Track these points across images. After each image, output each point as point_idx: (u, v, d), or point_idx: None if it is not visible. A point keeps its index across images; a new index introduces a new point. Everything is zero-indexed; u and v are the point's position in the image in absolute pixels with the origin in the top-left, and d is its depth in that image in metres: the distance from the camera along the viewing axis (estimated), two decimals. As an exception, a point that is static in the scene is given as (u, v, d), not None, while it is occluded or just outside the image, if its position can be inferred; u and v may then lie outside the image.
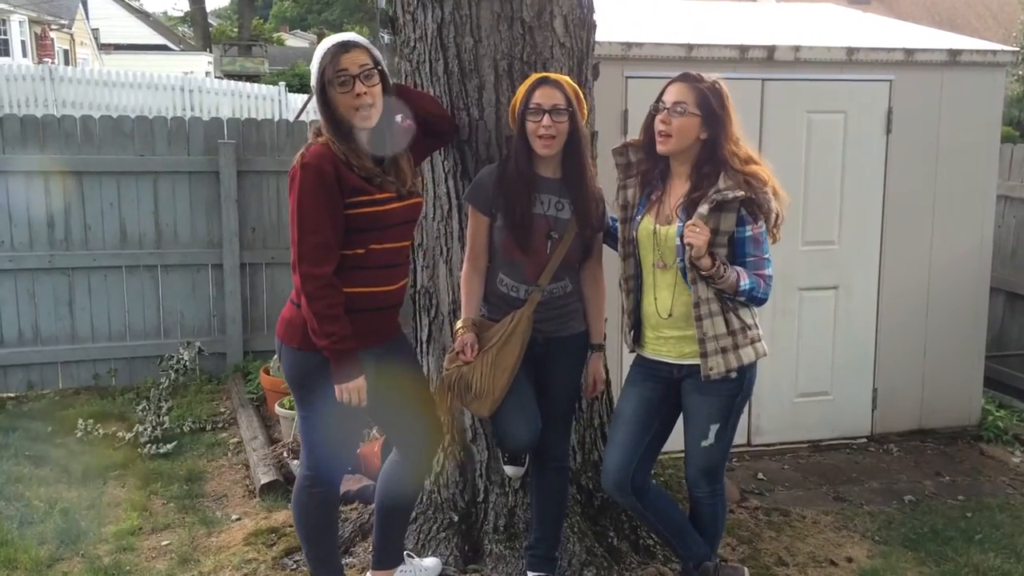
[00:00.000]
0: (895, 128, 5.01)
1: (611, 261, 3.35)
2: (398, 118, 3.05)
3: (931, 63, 5.02)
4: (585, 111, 3.15)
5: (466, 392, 3.10)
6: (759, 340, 3.00)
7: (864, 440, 5.23)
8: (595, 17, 3.57)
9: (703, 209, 2.84)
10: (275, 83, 22.97)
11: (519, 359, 3.11)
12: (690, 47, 4.65)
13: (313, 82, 2.84)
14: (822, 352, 5.11)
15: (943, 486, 4.68)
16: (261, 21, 42.50)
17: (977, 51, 5.11)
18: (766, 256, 2.94)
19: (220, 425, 5.26)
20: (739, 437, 4.64)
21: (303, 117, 13.12)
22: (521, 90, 3.10)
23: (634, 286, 3.11)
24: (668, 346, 3.02)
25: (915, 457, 5.06)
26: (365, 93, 2.79)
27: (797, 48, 4.80)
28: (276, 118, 17.87)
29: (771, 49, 4.76)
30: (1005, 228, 6.24)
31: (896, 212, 5.10)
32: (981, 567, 3.77)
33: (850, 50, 4.87)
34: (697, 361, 2.95)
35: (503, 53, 3.32)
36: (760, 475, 4.71)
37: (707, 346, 2.88)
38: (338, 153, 2.83)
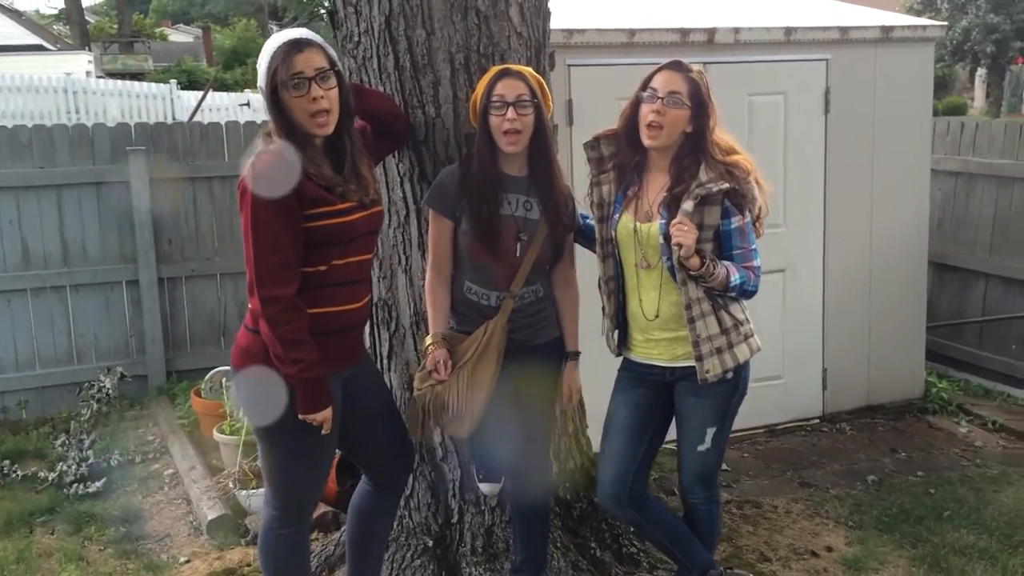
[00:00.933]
0: (832, 107, 4.99)
1: (582, 262, 3.18)
2: None
3: (865, 40, 5.01)
4: (550, 103, 2.97)
5: (443, 413, 2.88)
6: (752, 335, 2.88)
7: (817, 421, 5.22)
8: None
9: (687, 205, 2.69)
10: (161, 81, 22.01)
11: (496, 373, 2.91)
12: (632, 32, 4.51)
13: (261, 83, 2.57)
14: (773, 336, 5.03)
15: (901, 463, 4.69)
16: (141, 16, 40.76)
17: (908, 27, 5.13)
18: (753, 247, 2.82)
19: (151, 455, 4.89)
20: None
21: (197, 117, 12.41)
22: (481, 84, 2.89)
23: (615, 287, 2.94)
24: (659, 349, 2.87)
25: (868, 434, 5.07)
26: (322, 97, 2.54)
27: (737, 30, 4.72)
28: (169, 117, 17.22)
29: (712, 32, 4.66)
30: (931, 201, 6.30)
31: (837, 192, 5.09)
32: (957, 545, 3.76)
33: (788, 30, 4.82)
34: (691, 363, 2.81)
35: (458, 45, 3.10)
36: (724, 466, 4.62)
37: (702, 348, 2.74)
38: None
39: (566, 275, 3.10)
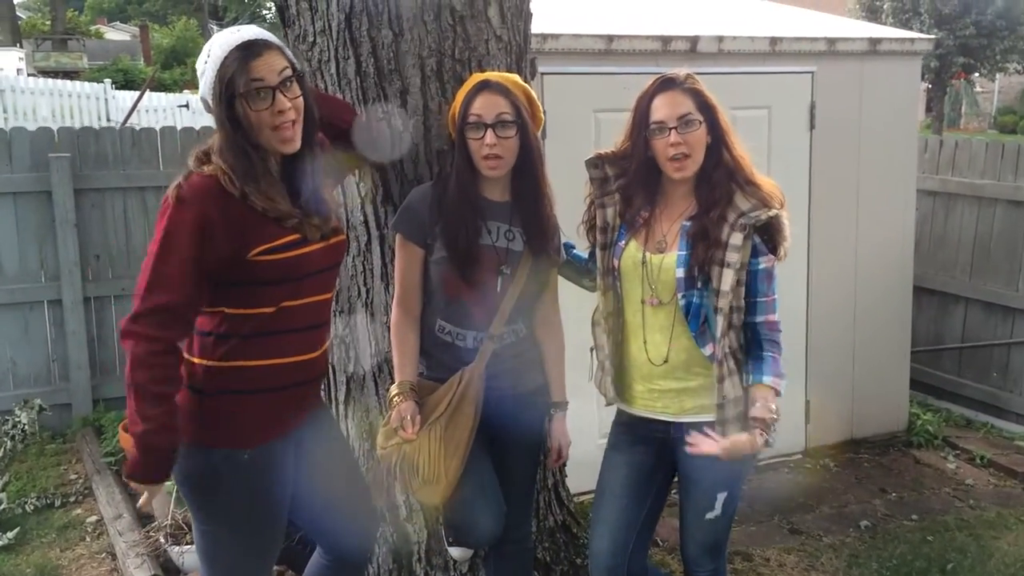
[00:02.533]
0: (817, 123, 4.69)
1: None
2: None
3: (852, 53, 4.73)
4: (540, 116, 2.58)
5: (412, 478, 2.47)
6: (770, 395, 2.52)
7: (799, 456, 4.91)
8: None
9: (736, 239, 2.32)
10: (96, 80, 21.14)
11: (474, 430, 2.51)
12: (610, 39, 4.15)
13: (206, 94, 2.13)
14: (755, 367, 4.74)
15: (893, 505, 4.39)
16: (76, 13, 39.46)
17: (896, 40, 4.86)
18: (775, 296, 2.46)
19: (72, 499, 4.37)
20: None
21: (134, 118, 11.62)
22: (460, 95, 2.50)
23: (615, 325, 2.56)
24: (664, 401, 2.49)
25: (854, 472, 4.78)
26: (289, 108, 2.12)
27: (720, 39, 4.38)
28: (103, 118, 16.43)
29: (694, 40, 4.32)
30: (908, 221, 6.09)
31: (821, 214, 4.78)
32: (966, 604, 3.46)
33: (774, 40, 4.50)
34: (701, 417, 2.45)
35: (430, 49, 2.70)
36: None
37: (727, 412, 2.38)
38: (234, 190, 2.13)
39: (549, 314, 2.71)
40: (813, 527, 4.13)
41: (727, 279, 2.35)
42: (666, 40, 4.26)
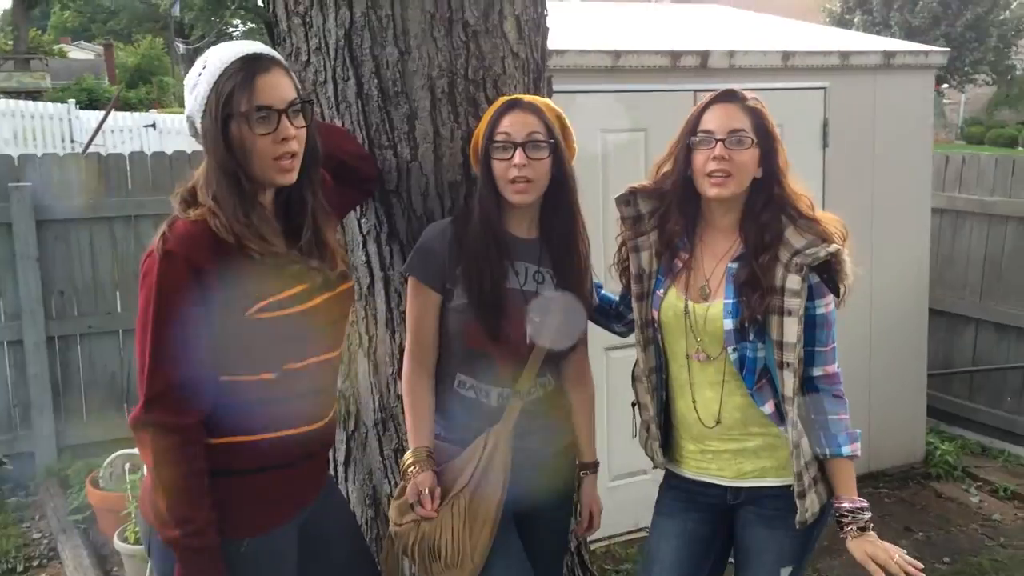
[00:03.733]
0: (831, 141, 4.45)
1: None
2: None
3: (865, 67, 4.51)
4: (574, 145, 2.29)
5: (433, 561, 2.15)
6: (835, 455, 2.24)
7: (817, 493, 4.64)
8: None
9: (793, 282, 2.04)
10: (59, 100, 20.63)
11: (502, 501, 2.19)
12: (617, 54, 3.88)
13: (197, 111, 1.81)
14: (770, 400, 4.48)
15: (921, 545, 4.13)
16: (39, 32, 38.71)
17: (910, 52, 4.65)
18: (835, 344, 2.18)
19: (36, 562, 4.00)
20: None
21: (99, 138, 11.12)
22: (485, 117, 2.21)
23: (657, 382, 2.26)
24: (720, 463, 2.20)
25: (876, 508, 4.35)
26: (293, 137, 1.81)
27: (732, 53, 4.14)
28: (67, 140, 15.95)
29: (704, 55, 4.06)
30: (914, 240, 5.87)
31: (835, 235, 4.54)
32: (1020, 662, 3.20)
33: (786, 54, 4.27)
34: (762, 482, 2.17)
35: (440, 68, 2.40)
36: (727, 557, 3.99)
37: (804, 481, 2.09)
38: (225, 233, 1.82)
39: (580, 368, 2.41)
40: (842, 574, 3.85)
41: (790, 329, 2.07)
42: (676, 55, 4.00)
